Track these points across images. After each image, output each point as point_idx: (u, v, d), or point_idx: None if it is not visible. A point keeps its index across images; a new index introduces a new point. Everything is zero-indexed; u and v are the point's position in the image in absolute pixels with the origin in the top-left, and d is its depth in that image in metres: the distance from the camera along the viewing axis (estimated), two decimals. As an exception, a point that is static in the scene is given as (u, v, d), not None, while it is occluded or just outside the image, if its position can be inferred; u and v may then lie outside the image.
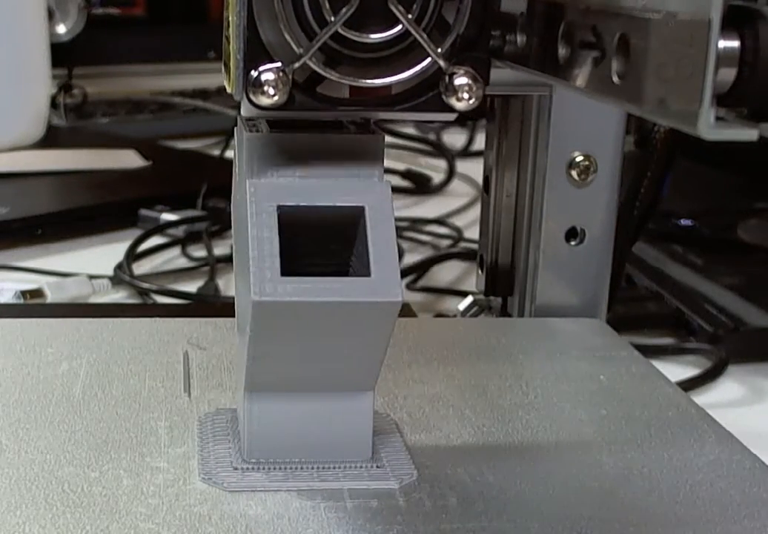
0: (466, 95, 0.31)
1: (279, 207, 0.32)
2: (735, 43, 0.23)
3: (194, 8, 1.60)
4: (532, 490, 0.34)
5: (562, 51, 0.30)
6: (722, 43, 0.23)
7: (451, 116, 0.32)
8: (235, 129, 0.35)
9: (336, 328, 0.32)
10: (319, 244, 0.33)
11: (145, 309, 0.63)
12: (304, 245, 0.32)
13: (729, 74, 0.24)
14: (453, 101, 0.31)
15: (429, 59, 0.31)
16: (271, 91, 0.30)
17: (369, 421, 0.35)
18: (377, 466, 0.35)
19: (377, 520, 0.32)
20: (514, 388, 0.42)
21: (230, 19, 0.31)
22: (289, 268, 0.31)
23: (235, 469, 0.34)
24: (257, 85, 0.30)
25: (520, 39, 0.33)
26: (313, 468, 0.34)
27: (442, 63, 0.31)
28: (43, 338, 0.45)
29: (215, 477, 0.34)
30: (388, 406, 0.40)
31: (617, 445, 0.38)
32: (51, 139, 1.01)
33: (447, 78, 0.31)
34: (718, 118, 0.23)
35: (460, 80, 0.31)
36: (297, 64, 0.30)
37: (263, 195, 0.32)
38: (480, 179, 0.57)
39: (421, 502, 0.33)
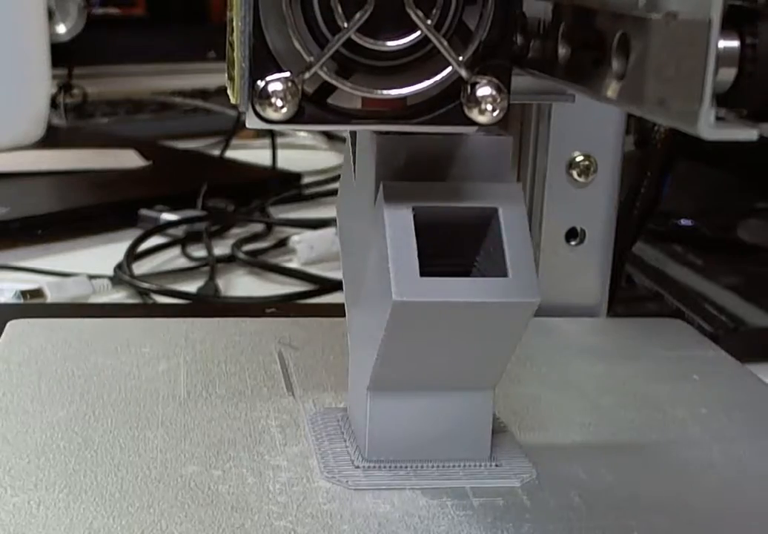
0: (489, 107, 0.29)
1: (414, 208, 0.32)
2: (735, 43, 0.23)
3: (194, 8, 1.60)
4: (650, 487, 0.35)
5: (561, 51, 0.30)
6: (722, 43, 0.23)
7: (472, 129, 0.30)
8: (350, 130, 0.35)
9: (471, 328, 0.33)
10: (446, 245, 0.33)
11: (145, 309, 0.63)
12: (434, 246, 0.32)
13: (729, 74, 0.24)
14: (475, 113, 0.29)
15: (450, 68, 0.29)
16: (279, 103, 0.28)
17: (489, 419, 0.35)
18: (496, 465, 0.35)
19: (506, 518, 0.32)
20: (611, 387, 0.43)
21: (235, 23, 0.29)
22: (424, 269, 0.31)
23: (357, 467, 0.35)
24: (264, 97, 0.28)
25: (519, 39, 0.32)
26: (434, 467, 0.35)
27: (463, 72, 0.29)
28: (135, 337, 0.45)
29: (338, 475, 0.34)
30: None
31: (725, 441, 0.38)
32: (51, 139, 1.01)
33: (469, 88, 0.29)
34: (718, 118, 0.23)
35: (483, 91, 0.29)
36: (307, 74, 0.28)
37: (399, 196, 0.32)
38: (480, 179, 0.57)
39: (545, 501, 0.33)
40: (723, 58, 0.23)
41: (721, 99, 0.23)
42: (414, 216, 0.32)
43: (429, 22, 0.28)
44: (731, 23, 0.23)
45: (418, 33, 0.28)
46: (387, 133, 0.33)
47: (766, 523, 0.33)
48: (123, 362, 0.43)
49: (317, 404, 0.40)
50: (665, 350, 0.47)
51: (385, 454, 0.35)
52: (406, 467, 0.35)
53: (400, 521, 0.32)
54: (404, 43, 0.28)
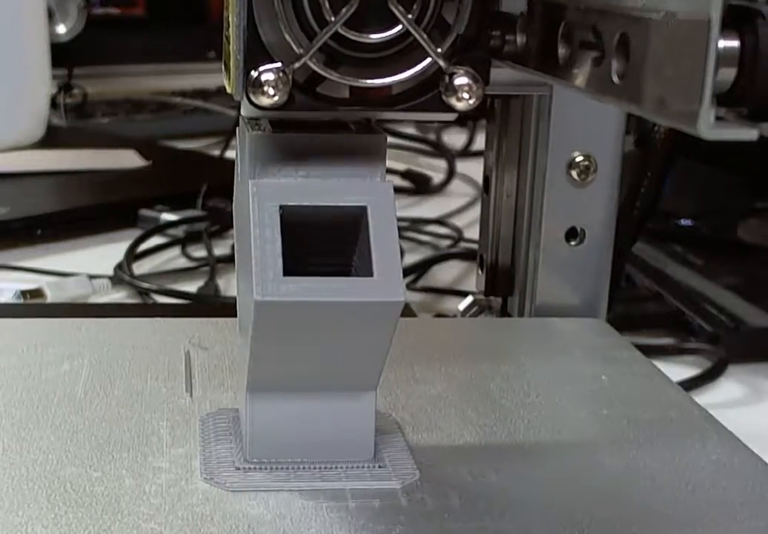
0: (466, 95, 0.31)
1: (282, 207, 0.32)
2: (735, 43, 0.23)
3: (194, 8, 1.60)
4: (534, 490, 0.34)
5: (562, 51, 0.30)
6: (722, 43, 0.23)
7: (451, 116, 0.32)
8: (237, 129, 0.35)
9: (338, 328, 0.32)
10: (322, 243, 0.33)
11: (145, 309, 0.63)
12: (306, 245, 0.32)
13: (729, 74, 0.24)
14: (453, 101, 0.31)
15: (429, 59, 0.31)
16: (271, 91, 0.30)
17: (371, 421, 0.35)
18: (379, 466, 0.35)
19: (379, 520, 0.32)
20: (516, 388, 0.42)
21: (230, 19, 0.31)
22: (291, 268, 0.31)
23: (237, 469, 0.34)
24: (257, 85, 0.30)
25: (520, 39, 0.33)
26: (315, 468, 0.34)
27: (442, 63, 0.31)
28: (44, 338, 0.45)
29: (217, 477, 0.34)
30: (390, 405, 0.40)
31: (619, 445, 0.38)
32: (51, 139, 1.01)
33: (447, 78, 0.31)
34: (718, 118, 0.23)
35: (460, 80, 0.31)
36: (297, 65, 0.30)
37: (266, 195, 0.32)
38: (480, 179, 0.57)
39: (423, 502, 0.33)
40: (723, 58, 0.23)
41: (721, 99, 0.23)
42: (282, 215, 0.32)
43: (410, 16, 0.30)
44: (731, 23, 0.23)
45: (400, 27, 0.30)
46: (261, 130, 0.33)
47: (646, 528, 0.32)
48: (25, 363, 0.43)
49: (214, 405, 0.39)
50: (579, 350, 0.47)
51: (267, 455, 0.34)
52: (287, 469, 0.34)
53: (271, 523, 0.31)
54: (387, 36, 0.31)
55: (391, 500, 0.33)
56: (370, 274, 0.32)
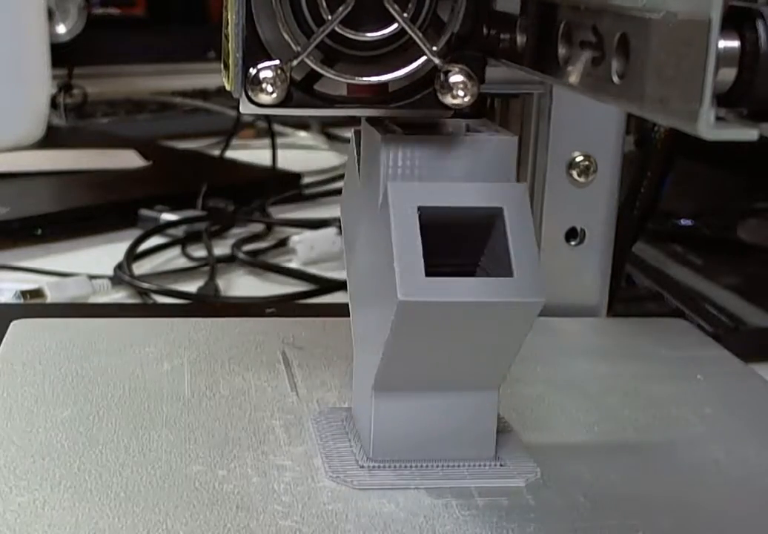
0: (460, 93, 0.31)
1: (419, 208, 0.32)
2: (735, 43, 0.23)
3: (194, 8, 1.60)
4: (655, 487, 0.35)
5: (561, 51, 0.30)
6: (722, 43, 0.23)
7: (447, 113, 0.33)
8: (355, 131, 0.36)
9: (476, 328, 0.33)
10: (451, 244, 0.33)
11: (145, 309, 0.63)
12: (438, 246, 0.33)
13: (729, 74, 0.24)
14: (448, 99, 0.31)
15: (424, 57, 0.31)
16: (270, 89, 0.30)
17: (493, 419, 0.35)
18: (501, 465, 0.35)
19: (511, 517, 0.32)
20: (614, 387, 0.43)
21: (229, 17, 0.31)
22: (429, 269, 0.32)
23: (362, 467, 0.35)
24: (256, 83, 0.30)
25: (520, 38, 0.33)
26: (438, 466, 0.35)
27: (437, 61, 0.31)
28: (139, 337, 0.45)
29: (343, 475, 0.34)
30: None
31: (729, 441, 0.38)
32: (51, 139, 1.01)
33: (442, 76, 0.31)
34: (718, 118, 0.23)
35: (455, 78, 0.31)
36: (295, 62, 0.31)
37: (405, 197, 0.32)
38: (480, 179, 0.57)
39: (550, 500, 0.34)
40: (723, 58, 0.23)
41: (721, 99, 0.23)
42: (419, 216, 0.32)
43: (405, 15, 0.31)
44: (731, 23, 0.23)
45: (396, 25, 0.31)
46: (393, 133, 0.33)
47: None
48: (126, 362, 0.43)
49: (321, 404, 0.40)
50: (668, 350, 0.47)
51: (390, 453, 0.35)
52: (411, 467, 0.35)
53: (405, 521, 0.32)
54: (383, 35, 0.31)
55: (518, 498, 0.34)
56: (510, 275, 0.32)
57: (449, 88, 0.31)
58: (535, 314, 0.33)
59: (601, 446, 0.38)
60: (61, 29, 1.17)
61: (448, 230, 0.33)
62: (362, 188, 0.36)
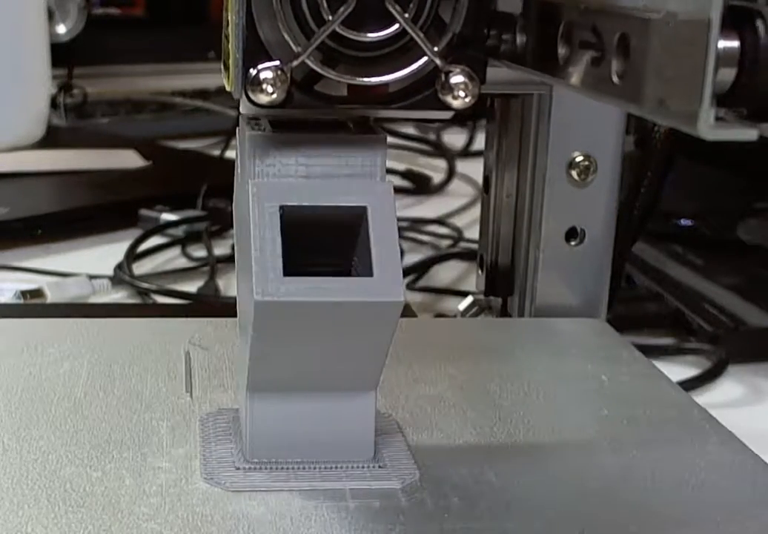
0: (462, 93, 0.31)
1: (281, 207, 0.32)
2: (735, 43, 0.23)
3: (194, 8, 1.60)
4: (534, 490, 0.34)
5: (561, 51, 0.30)
6: (722, 43, 0.23)
7: (448, 114, 0.32)
8: (237, 128, 0.35)
9: (338, 328, 0.32)
10: (321, 244, 0.33)
11: (145, 309, 0.63)
12: (305, 245, 0.32)
13: (729, 74, 0.24)
14: (449, 99, 0.31)
15: (425, 58, 0.31)
16: (270, 89, 0.30)
17: (371, 421, 0.35)
18: (379, 466, 0.35)
19: (379, 520, 0.32)
20: (516, 388, 0.42)
21: (229, 18, 0.31)
22: (291, 268, 0.31)
23: (237, 469, 0.34)
24: (256, 84, 0.30)
25: (520, 39, 0.33)
26: (315, 468, 0.34)
27: (438, 61, 0.31)
28: (44, 338, 0.45)
29: (217, 477, 0.34)
30: (390, 406, 0.40)
31: (619, 445, 0.38)
32: (51, 139, 1.01)
33: (443, 76, 0.31)
34: (718, 118, 0.23)
35: (456, 78, 0.31)
36: (295, 63, 0.30)
37: (265, 195, 0.32)
38: (480, 179, 0.57)
39: (423, 502, 0.33)
40: (723, 58, 0.23)
41: (721, 99, 0.23)
42: (282, 215, 0.32)
43: (406, 15, 0.31)
44: (731, 23, 0.23)
45: (397, 26, 0.31)
46: (260, 129, 0.33)
47: (644, 529, 0.32)
48: (25, 363, 0.43)
49: (214, 405, 0.39)
50: (579, 350, 0.47)
51: (266, 455, 0.34)
52: (287, 469, 0.34)
53: (271, 523, 0.31)
54: (384, 35, 0.31)
55: (391, 500, 0.33)
56: (370, 274, 0.32)
57: (450, 88, 0.31)
58: (397, 314, 0.32)
59: (488, 448, 0.37)
60: (61, 29, 1.17)
61: (318, 230, 0.32)
62: (240, 185, 0.35)
